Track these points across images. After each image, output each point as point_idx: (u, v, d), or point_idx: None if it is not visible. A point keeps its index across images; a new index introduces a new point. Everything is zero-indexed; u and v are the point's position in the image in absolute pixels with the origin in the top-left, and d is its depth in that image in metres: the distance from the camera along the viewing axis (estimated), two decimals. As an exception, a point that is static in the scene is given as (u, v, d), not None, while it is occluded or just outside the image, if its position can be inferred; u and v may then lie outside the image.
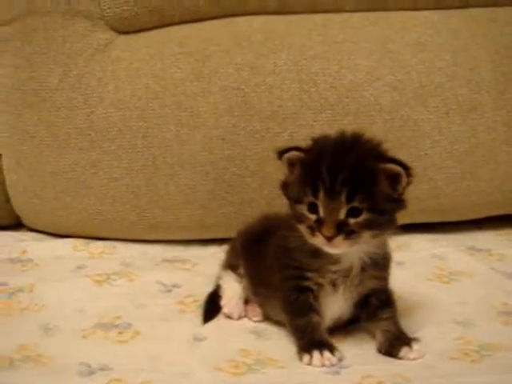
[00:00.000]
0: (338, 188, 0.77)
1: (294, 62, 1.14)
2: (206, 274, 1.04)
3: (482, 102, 1.15)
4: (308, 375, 0.79)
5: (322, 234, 0.78)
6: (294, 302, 0.85)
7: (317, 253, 0.82)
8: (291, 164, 0.83)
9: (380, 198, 0.79)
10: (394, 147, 1.12)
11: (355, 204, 0.78)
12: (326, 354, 0.81)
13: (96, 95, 1.14)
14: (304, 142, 1.08)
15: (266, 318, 0.93)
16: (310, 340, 0.83)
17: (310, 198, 0.79)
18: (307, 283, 0.85)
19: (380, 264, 0.85)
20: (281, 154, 0.83)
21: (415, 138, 1.14)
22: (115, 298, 0.98)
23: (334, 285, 0.84)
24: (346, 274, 0.84)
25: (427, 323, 0.89)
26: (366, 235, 0.79)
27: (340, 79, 1.14)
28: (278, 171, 1.08)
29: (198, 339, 0.88)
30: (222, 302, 0.95)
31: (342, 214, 0.78)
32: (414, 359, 0.82)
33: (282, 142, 1.12)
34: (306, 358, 0.81)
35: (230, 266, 0.99)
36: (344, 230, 0.78)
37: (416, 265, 1.09)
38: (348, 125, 1.13)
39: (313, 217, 0.79)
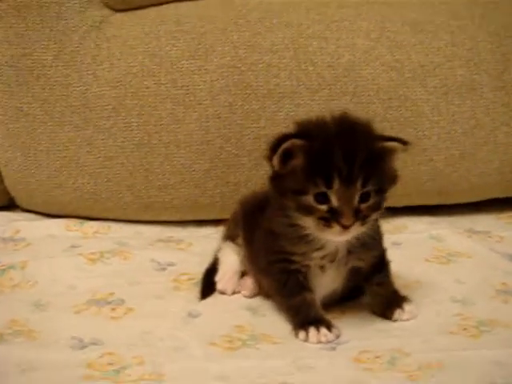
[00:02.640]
0: (355, 175, 0.75)
1: (292, 40, 1.12)
2: (202, 254, 1.03)
3: (481, 82, 1.14)
4: (304, 351, 0.78)
5: (339, 224, 0.75)
6: (285, 283, 0.84)
7: (301, 239, 0.81)
8: (286, 154, 0.78)
9: (385, 178, 0.78)
10: (393, 127, 1.13)
11: (368, 188, 0.76)
12: (323, 330, 0.79)
13: (91, 73, 1.12)
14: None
15: (261, 291, 0.91)
16: (306, 317, 0.81)
17: (322, 189, 0.76)
18: (294, 266, 0.83)
19: (368, 244, 0.82)
20: (278, 145, 0.77)
21: (413, 118, 1.13)
22: (109, 276, 0.97)
23: (321, 267, 0.83)
24: (332, 258, 0.82)
25: (425, 302, 0.87)
26: (373, 217, 0.79)
27: (338, 58, 1.12)
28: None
29: (192, 315, 0.86)
30: (217, 278, 0.94)
31: (356, 201, 0.76)
32: (407, 320, 0.83)
33: (279, 121, 1.12)
34: (302, 334, 0.80)
35: (229, 236, 0.98)
36: (359, 216, 0.76)
37: (413, 246, 1.08)
38: (346, 104, 1.12)
39: (323, 207, 0.76)
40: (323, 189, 0.76)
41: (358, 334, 0.81)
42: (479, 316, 0.83)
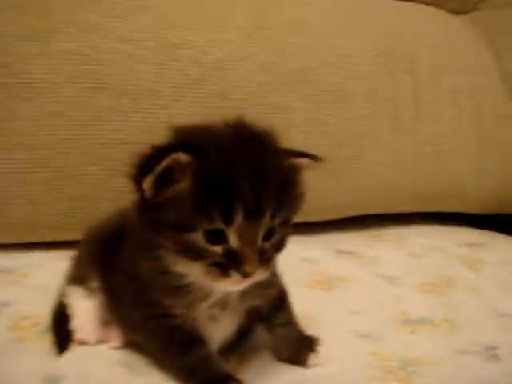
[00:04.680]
0: (265, 206, 0.57)
1: (152, 28, 0.95)
2: (42, 287, 0.82)
3: (354, 92, 1.07)
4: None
5: (240, 271, 0.58)
6: (168, 342, 0.65)
7: (179, 290, 0.62)
8: (164, 175, 0.57)
9: (295, 206, 0.62)
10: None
11: (275, 223, 0.59)
12: None
13: None
14: (161, 124, 0.91)
15: (130, 342, 0.71)
16: (207, 377, 0.63)
17: (217, 224, 0.57)
18: (176, 322, 0.64)
19: (265, 282, 0.64)
20: (152, 161, 0.57)
21: (288, 127, 1.01)
22: None
23: (211, 316, 0.65)
24: (224, 306, 0.65)
25: (328, 337, 0.74)
26: (276, 258, 0.62)
27: (205, 54, 0.97)
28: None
29: (51, 380, 0.64)
30: (74, 326, 0.73)
31: (260, 240, 0.59)
32: (322, 364, 0.69)
33: (135, 123, 0.93)
34: None
35: (76, 278, 0.75)
36: (263, 258, 0.59)
37: (286, 270, 0.96)
38: (213, 107, 0.98)
39: (217, 249, 0.58)
40: (219, 225, 0.57)
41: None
42: (396, 353, 0.73)
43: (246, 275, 0.58)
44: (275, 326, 0.70)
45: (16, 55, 0.87)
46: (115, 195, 0.93)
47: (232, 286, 0.59)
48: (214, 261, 0.58)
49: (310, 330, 0.76)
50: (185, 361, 0.64)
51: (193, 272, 0.60)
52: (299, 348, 0.71)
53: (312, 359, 0.70)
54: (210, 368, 0.64)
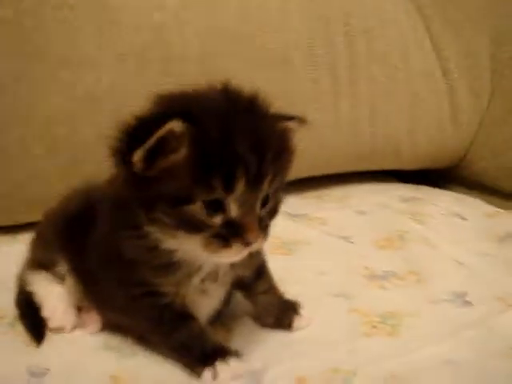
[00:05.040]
0: (265, 171, 0.56)
1: (90, -8, 0.89)
2: None
3: (293, 56, 1.06)
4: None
5: (242, 241, 0.56)
6: (160, 320, 0.63)
7: (168, 267, 0.60)
8: (156, 147, 0.54)
9: (287, 171, 0.61)
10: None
11: (271, 189, 0.58)
12: (232, 361, 0.61)
13: None
14: (104, 94, 0.87)
15: (108, 325, 0.69)
16: (203, 351, 0.62)
17: (217, 194, 0.55)
18: (165, 300, 0.62)
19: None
20: (145, 132, 0.53)
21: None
22: None
23: (201, 291, 0.64)
24: (214, 278, 0.64)
25: (305, 300, 0.74)
26: (271, 225, 0.61)
27: (145, 19, 0.93)
28: (77, 133, 0.85)
29: (35, 375, 0.60)
30: (46, 314, 0.69)
31: (258, 207, 0.57)
32: (306, 326, 0.70)
33: (76, 95, 0.89)
34: (209, 373, 0.61)
35: (40, 263, 0.71)
36: (261, 226, 0.58)
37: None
38: (155, 75, 0.94)
39: (217, 220, 0.56)
40: (219, 194, 0.55)
41: (263, 354, 0.65)
42: (375, 309, 0.74)
43: (247, 244, 0.56)
44: (257, 294, 0.70)
45: None
46: (57, 174, 0.88)
47: (233, 256, 0.58)
48: (214, 232, 0.56)
49: (288, 294, 0.76)
50: (178, 338, 0.63)
51: (188, 246, 0.57)
52: (282, 312, 0.71)
53: (296, 322, 0.70)
54: (204, 343, 0.63)
